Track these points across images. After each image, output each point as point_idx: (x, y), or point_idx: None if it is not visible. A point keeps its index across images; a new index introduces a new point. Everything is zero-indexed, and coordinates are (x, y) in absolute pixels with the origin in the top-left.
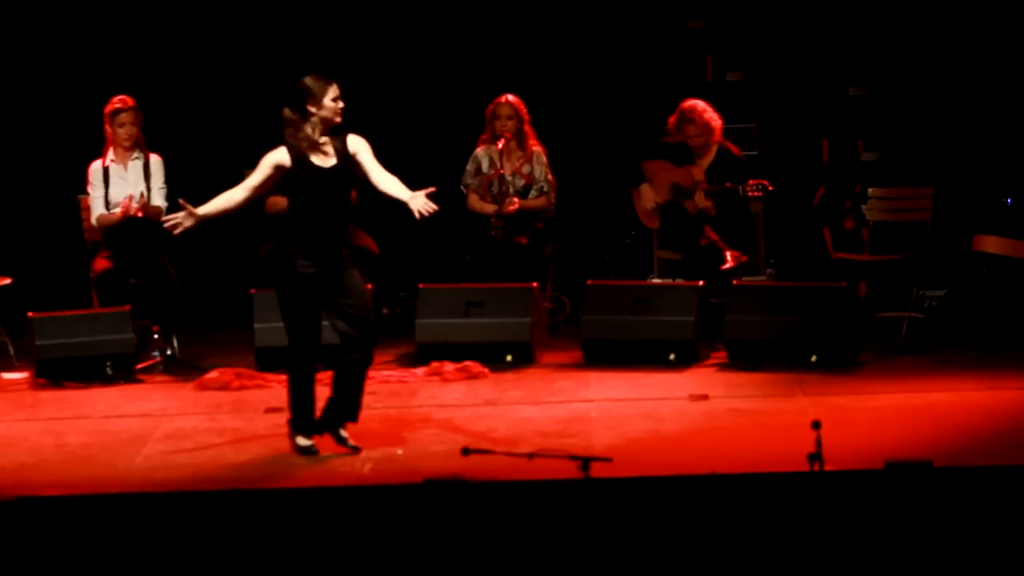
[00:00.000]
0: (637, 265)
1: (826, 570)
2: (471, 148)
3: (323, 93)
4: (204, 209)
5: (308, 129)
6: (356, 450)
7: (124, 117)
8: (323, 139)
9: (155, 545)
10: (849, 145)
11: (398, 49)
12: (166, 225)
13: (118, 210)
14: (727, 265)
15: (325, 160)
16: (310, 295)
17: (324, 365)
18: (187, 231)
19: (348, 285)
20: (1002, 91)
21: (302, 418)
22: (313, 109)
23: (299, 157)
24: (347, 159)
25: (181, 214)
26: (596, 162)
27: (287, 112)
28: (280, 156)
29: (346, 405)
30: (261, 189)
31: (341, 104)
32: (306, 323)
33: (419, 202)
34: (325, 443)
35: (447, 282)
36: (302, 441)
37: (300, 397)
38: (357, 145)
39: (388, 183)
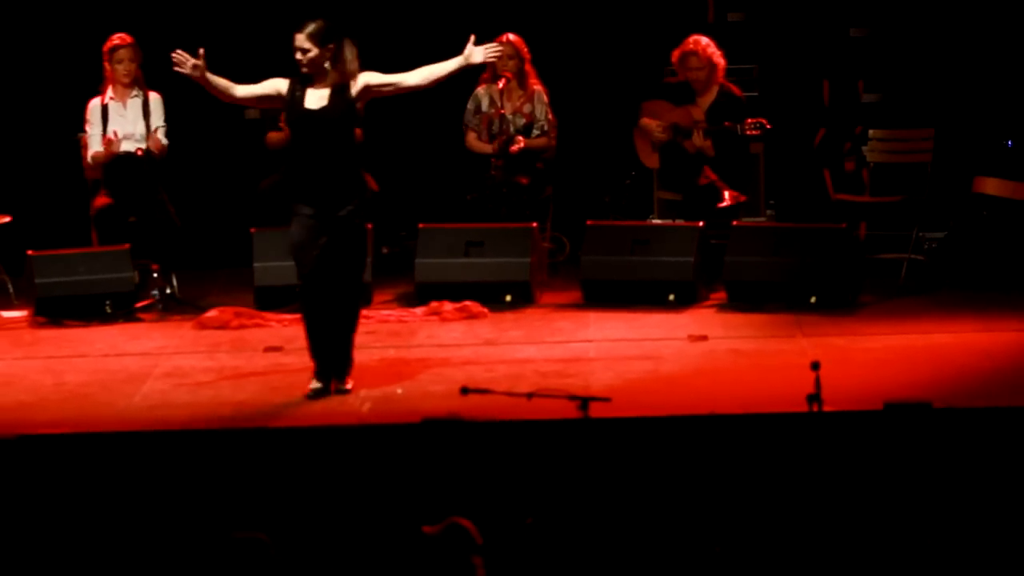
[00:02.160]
0: (637, 205)
1: (825, 510)
2: (472, 87)
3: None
4: (211, 75)
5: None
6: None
7: (122, 53)
8: (322, 80)
9: (154, 483)
10: (850, 86)
11: None
12: (174, 57)
13: (112, 147)
14: (724, 203)
15: (316, 102)
16: (312, 238)
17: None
18: (186, 76)
19: (342, 246)
20: (1003, 32)
21: (314, 359)
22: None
23: (295, 96)
24: (342, 101)
25: (192, 60)
26: (597, 102)
27: None
28: (281, 84)
29: (333, 358)
30: (254, 100)
31: (297, 56)
32: (311, 263)
33: (479, 53)
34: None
35: (447, 222)
36: (312, 383)
37: (309, 338)
38: (363, 80)
39: (426, 73)
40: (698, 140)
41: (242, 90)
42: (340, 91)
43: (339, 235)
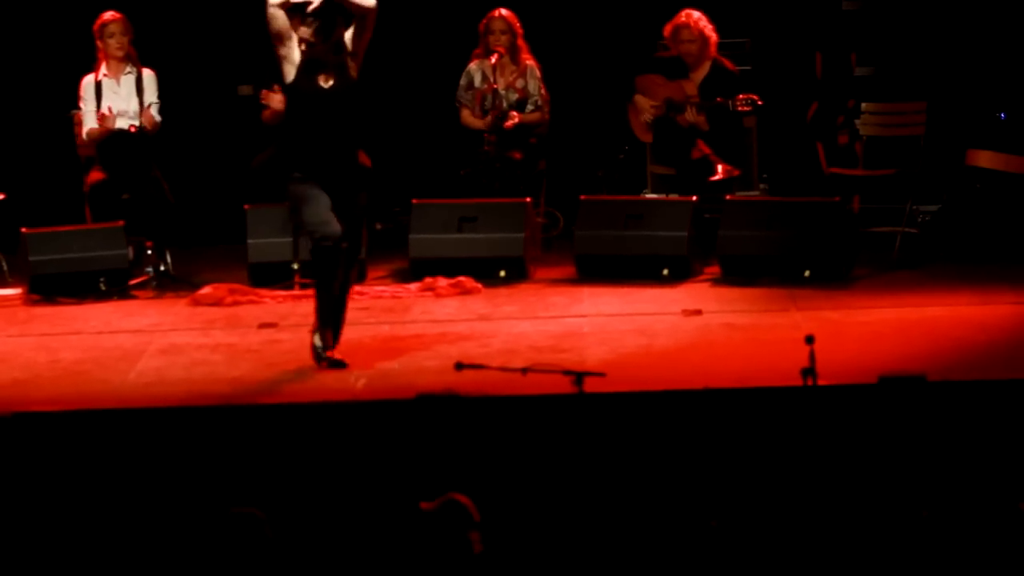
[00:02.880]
0: (631, 180)
1: (820, 484)
2: (464, 63)
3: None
4: None
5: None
6: (341, 365)
7: (113, 27)
8: (326, 60)
9: (149, 460)
10: (843, 59)
11: None
12: None
13: (106, 123)
14: (717, 176)
15: (326, 81)
16: (329, 206)
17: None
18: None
19: (344, 213)
20: (996, 5)
21: (327, 327)
22: None
23: (308, 67)
24: (345, 77)
25: None
26: (590, 77)
27: None
28: (296, 47)
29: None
30: (274, 22)
31: (302, 47)
32: (337, 232)
33: None
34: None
35: (440, 197)
36: (317, 340)
37: (325, 305)
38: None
39: None
40: (691, 115)
41: (278, 10)
42: (344, 66)
43: (345, 208)
